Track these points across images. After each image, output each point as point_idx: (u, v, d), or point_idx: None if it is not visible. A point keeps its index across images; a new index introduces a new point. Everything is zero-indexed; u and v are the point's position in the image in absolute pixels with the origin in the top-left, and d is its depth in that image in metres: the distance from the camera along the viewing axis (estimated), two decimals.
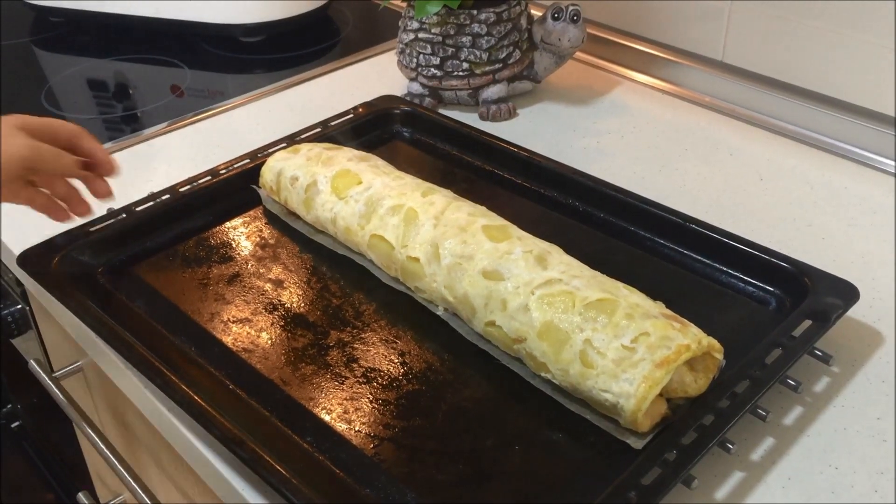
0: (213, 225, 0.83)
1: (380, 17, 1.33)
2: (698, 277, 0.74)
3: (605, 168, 0.91)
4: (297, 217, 0.83)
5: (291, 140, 0.90)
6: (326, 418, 0.62)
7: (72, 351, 0.98)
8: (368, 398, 0.63)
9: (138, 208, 0.80)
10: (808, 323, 0.65)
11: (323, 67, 1.17)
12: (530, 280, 0.64)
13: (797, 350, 0.62)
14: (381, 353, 0.67)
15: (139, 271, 0.77)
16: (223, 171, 0.86)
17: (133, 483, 0.81)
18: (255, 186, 0.86)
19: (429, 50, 1.00)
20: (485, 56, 0.99)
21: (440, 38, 0.99)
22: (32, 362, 0.92)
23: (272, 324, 0.71)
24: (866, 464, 0.59)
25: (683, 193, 0.87)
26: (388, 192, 0.75)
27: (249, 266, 0.77)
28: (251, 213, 0.85)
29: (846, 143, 0.93)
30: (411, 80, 1.04)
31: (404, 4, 1.03)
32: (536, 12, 1.06)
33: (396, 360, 0.67)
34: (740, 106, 1.01)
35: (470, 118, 1.01)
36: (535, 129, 1.00)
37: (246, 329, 0.70)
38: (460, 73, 1.00)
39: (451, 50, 0.99)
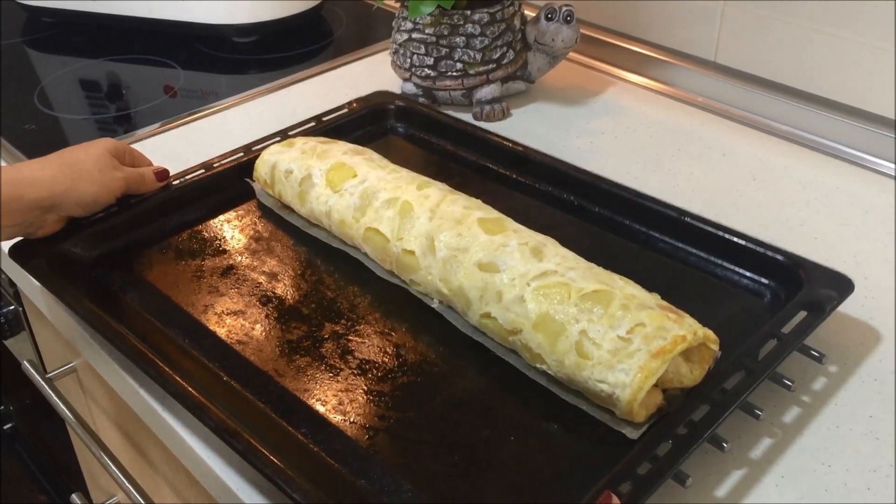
0: (207, 218, 0.83)
1: (373, 18, 1.33)
2: (693, 270, 0.74)
3: (599, 168, 0.91)
4: (292, 210, 0.83)
5: (285, 135, 0.90)
6: (321, 410, 0.62)
7: (65, 351, 0.98)
8: (363, 390, 0.63)
9: (132, 201, 0.80)
10: (802, 314, 0.65)
11: (316, 68, 1.17)
12: (526, 272, 0.64)
13: (792, 341, 0.62)
14: (375, 346, 0.67)
15: (132, 264, 0.77)
16: (217, 165, 0.86)
17: (127, 484, 0.81)
18: (248, 180, 0.86)
19: (423, 50, 1.00)
20: (478, 56, 0.99)
21: (434, 39, 0.99)
22: (26, 363, 0.92)
23: (266, 316, 0.71)
24: (860, 462, 0.59)
25: (677, 193, 0.87)
26: (383, 185, 0.75)
27: (243, 259, 0.77)
28: (245, 206, 0.85)
29: (838, 143, 0.93)
30: (405, 80, 1.04)
31: (398, 5, 1.03)
32: (530, 13, 1.06)
33: (391, 353, 0.67)
34: (733, 106, 1.01)
35: (464, 118, 1.01)
36: (529, 130, 1.00)
37: (240, 321, 0.70)
38: (454, 74, 1.00)
39: (444, 50, 0.99)
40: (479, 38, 0.99)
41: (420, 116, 0.96)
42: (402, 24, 1.02)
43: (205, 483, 0.64)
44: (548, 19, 1.00)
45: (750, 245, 0.72)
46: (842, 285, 0.67)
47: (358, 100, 0.98)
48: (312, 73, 1.16)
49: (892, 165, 0.89)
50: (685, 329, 0.58)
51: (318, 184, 0.78)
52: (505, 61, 1.01)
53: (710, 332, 0.60)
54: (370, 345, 0.68)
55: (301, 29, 1.29)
